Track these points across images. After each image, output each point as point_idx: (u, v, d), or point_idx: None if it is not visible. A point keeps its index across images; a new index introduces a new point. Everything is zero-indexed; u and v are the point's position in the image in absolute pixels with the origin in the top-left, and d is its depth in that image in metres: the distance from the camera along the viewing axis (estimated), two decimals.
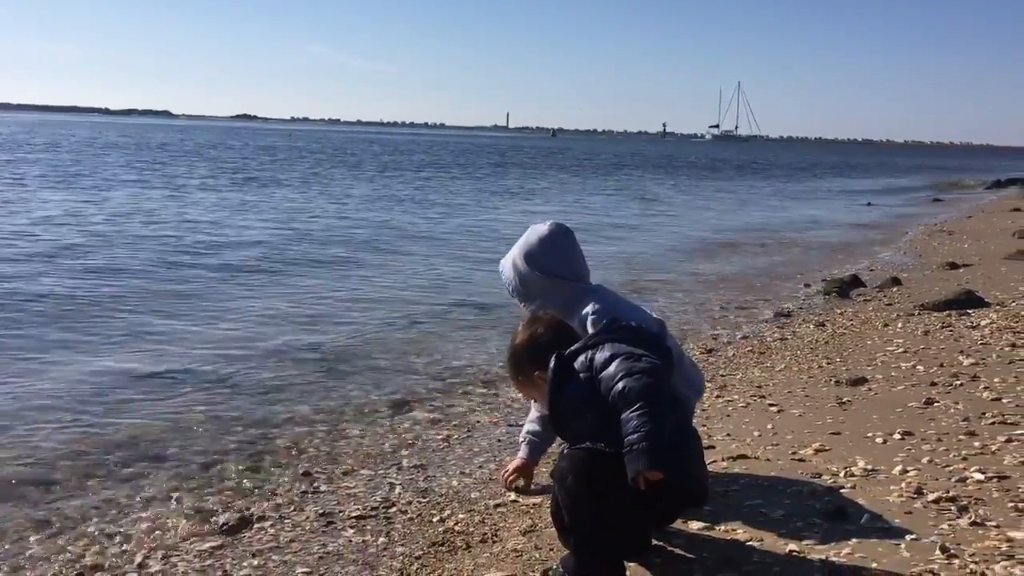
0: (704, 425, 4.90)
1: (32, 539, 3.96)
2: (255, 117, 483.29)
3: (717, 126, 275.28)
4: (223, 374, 6.63)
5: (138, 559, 3.79)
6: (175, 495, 4.45)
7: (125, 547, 3.89)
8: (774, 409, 5.39)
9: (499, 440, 5.35)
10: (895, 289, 10.25)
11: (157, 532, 4.04)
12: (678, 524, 3.49)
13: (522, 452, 4.25)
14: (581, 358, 3.06)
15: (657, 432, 2.73)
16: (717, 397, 5.80)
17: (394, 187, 29.36)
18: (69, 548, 3.88)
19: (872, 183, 38.60)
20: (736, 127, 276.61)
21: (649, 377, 2.85)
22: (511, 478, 4.30)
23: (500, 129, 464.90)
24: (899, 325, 7.87)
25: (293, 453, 5.10)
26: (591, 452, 2.94)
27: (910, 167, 73.38)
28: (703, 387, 4.07)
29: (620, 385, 2.85)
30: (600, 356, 2.99)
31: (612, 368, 2.91)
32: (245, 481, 4.66)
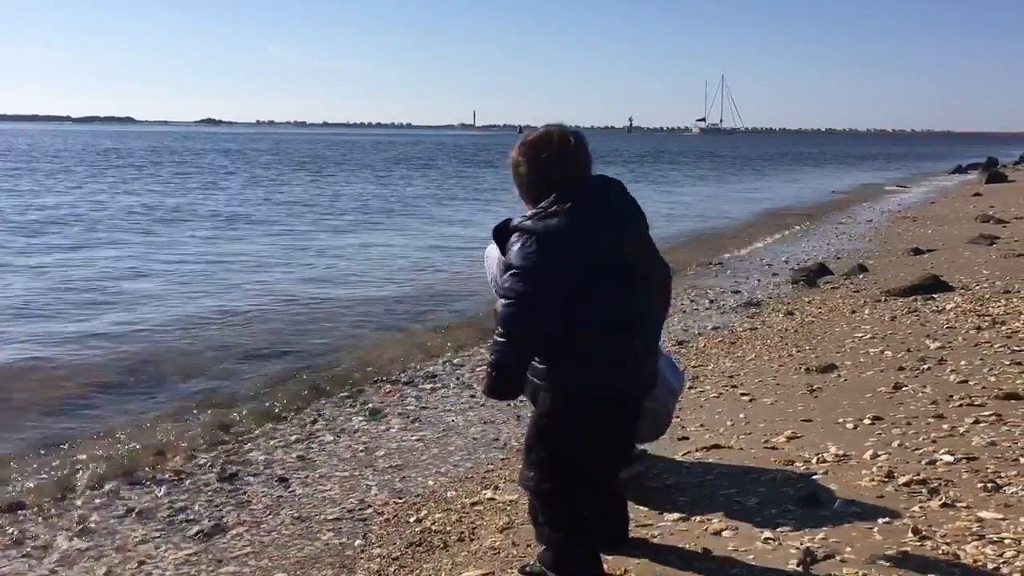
0: (677, 416, 4.93)
1: (3, 560, 3.90)
2: (220, 121, 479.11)
3: (704, 119, 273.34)
4: (191, 382, 6.58)
5: (114, 571, 3.74)
6: (148, 506, 4.40)
7: (100, 560, 3.85)
8: (746, 398, 5.44)
9: (474, 439, 5.35)
10: (861, 276, 10.36)
11: (131, 543, 4.00)
12: (654, 516, 3.51)
13: None
14: (513, 238, 2.91)
15: (500, 364, 2.85)
16: (690, 388, 5.82)
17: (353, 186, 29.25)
18: (43, 564, 3.83)
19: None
20: (721, 120, 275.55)
21: (514, 306, 2.81)
22: None
23: (467, 127, 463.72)
24: (866, 311, 7.96)
25: (267, 459, 5.06)
26: (552, 453, 2.99)
27: (864, 156, 73.77)
28: (681, 389, 4.00)
29: (497, 305, 2.87)
30: (509, 256, 2.89)
31: (503, 279, 2.88)
32: (220, 489, 4.62)
